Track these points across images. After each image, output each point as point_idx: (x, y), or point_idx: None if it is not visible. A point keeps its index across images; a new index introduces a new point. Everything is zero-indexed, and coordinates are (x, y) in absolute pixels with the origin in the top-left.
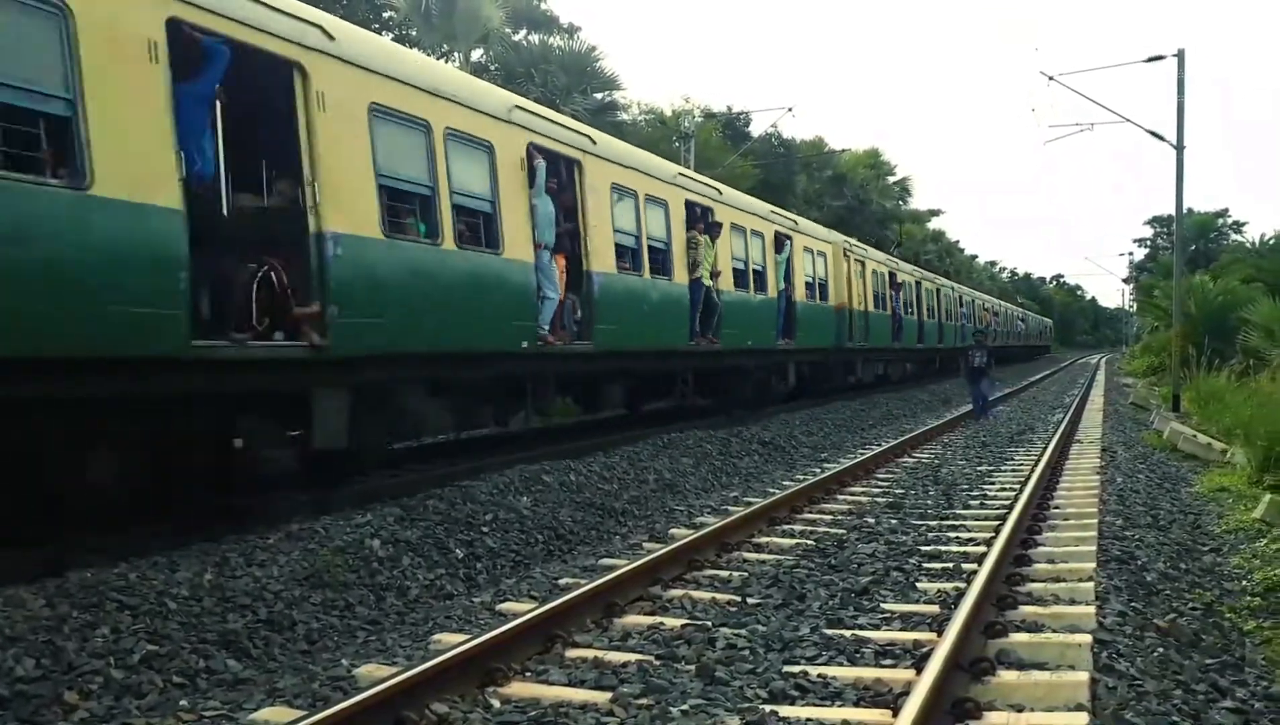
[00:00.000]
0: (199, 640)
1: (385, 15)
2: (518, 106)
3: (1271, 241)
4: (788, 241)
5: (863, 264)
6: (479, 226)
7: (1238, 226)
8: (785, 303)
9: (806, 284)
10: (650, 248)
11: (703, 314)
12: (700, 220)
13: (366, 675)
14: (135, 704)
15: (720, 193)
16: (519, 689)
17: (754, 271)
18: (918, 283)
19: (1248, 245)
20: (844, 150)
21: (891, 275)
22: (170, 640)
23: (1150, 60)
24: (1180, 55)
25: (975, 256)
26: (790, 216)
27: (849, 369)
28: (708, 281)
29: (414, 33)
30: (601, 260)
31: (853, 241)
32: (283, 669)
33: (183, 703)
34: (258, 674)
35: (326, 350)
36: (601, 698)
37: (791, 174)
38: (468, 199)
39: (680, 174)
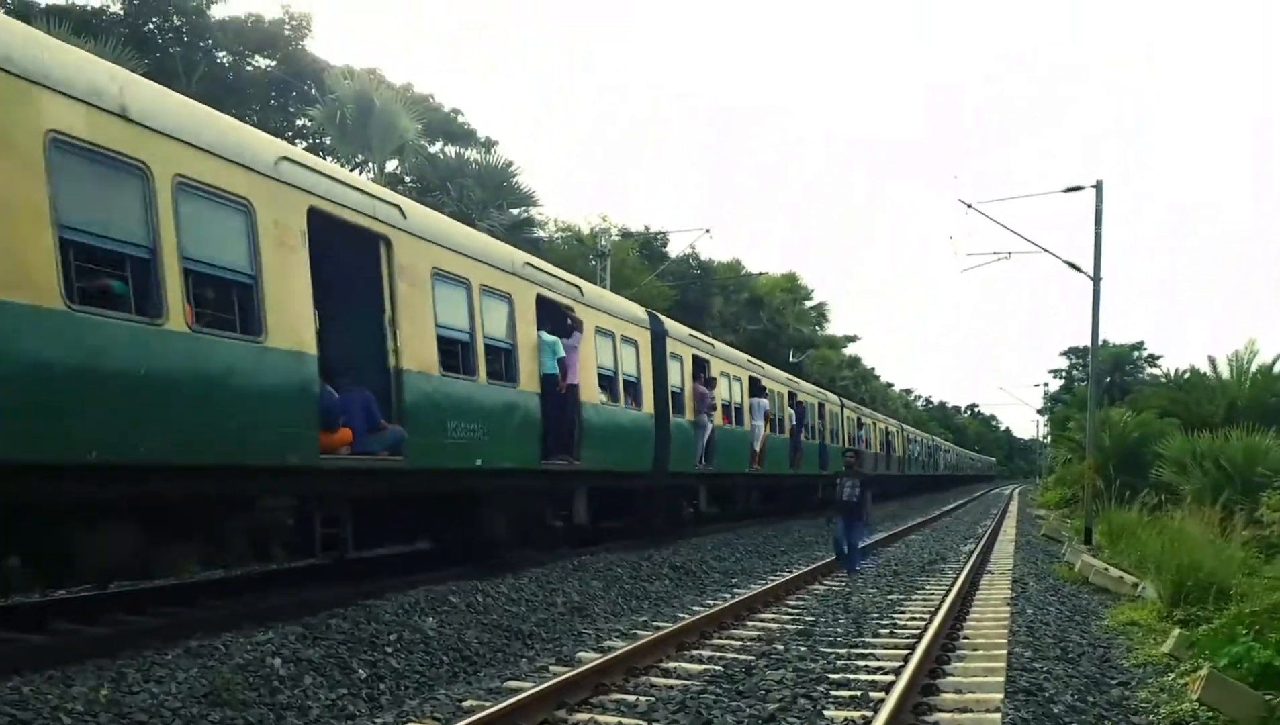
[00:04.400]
0: None
1: (299, 123)
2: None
3: (1186, 375)
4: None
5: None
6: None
7: (1153, 359)
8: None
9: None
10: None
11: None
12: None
13: None
14: None
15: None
16: None
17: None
18: (888, 428)
19: (1163, 378)
20: (761, 273)
21: (859, 419)
22: None
23: (1069, 191)
24: (1098, 187)
25: (890, 384)
26: (821, 390)
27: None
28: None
29: (328, 141)
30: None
31: (829, 395)
32: None
33: None
34: None
35: None
36: None
37: (708, 295)
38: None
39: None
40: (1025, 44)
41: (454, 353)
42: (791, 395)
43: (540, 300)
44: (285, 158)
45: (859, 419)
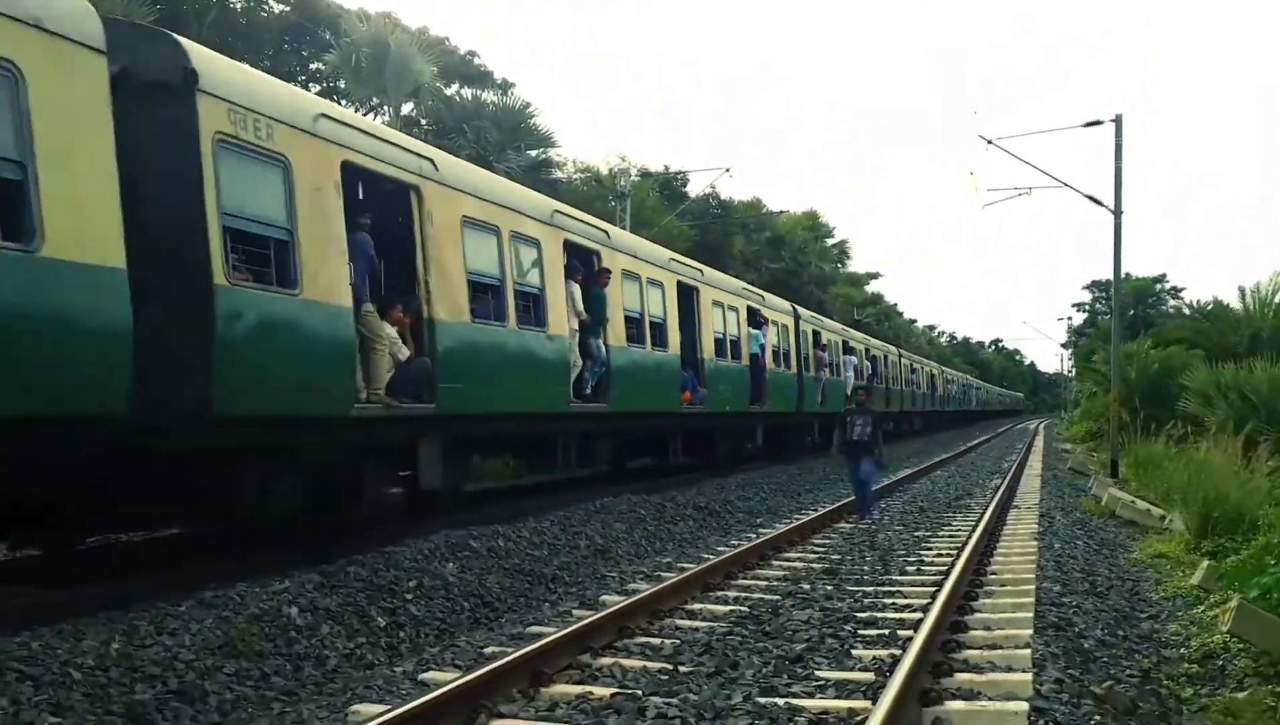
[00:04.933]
0: (104, 712)
1: (312, 67)
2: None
3: (1209, 306)
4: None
5: (912, 362)
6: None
7: (1175, 292)
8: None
9: (886, 375)
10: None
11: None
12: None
13: None
14: None
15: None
16: None
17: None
18: (933, 371)
19: (1186, 311)
20: (782, 212)
21: (912, 365)
22: (74, 712)
23: (1088, 125)
24: (1118, 121)
25: (914, 321)
26: (885, 345)
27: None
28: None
29: (342, 84)
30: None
31: (891, 347)
32: None
33: None
34: None
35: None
36: None
37: (729, 235)
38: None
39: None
40: (1029, 12)
41: (720, 345)
42: (867, 350)
43: (749, 308)
44: (678, 259)
45: (912, 365)
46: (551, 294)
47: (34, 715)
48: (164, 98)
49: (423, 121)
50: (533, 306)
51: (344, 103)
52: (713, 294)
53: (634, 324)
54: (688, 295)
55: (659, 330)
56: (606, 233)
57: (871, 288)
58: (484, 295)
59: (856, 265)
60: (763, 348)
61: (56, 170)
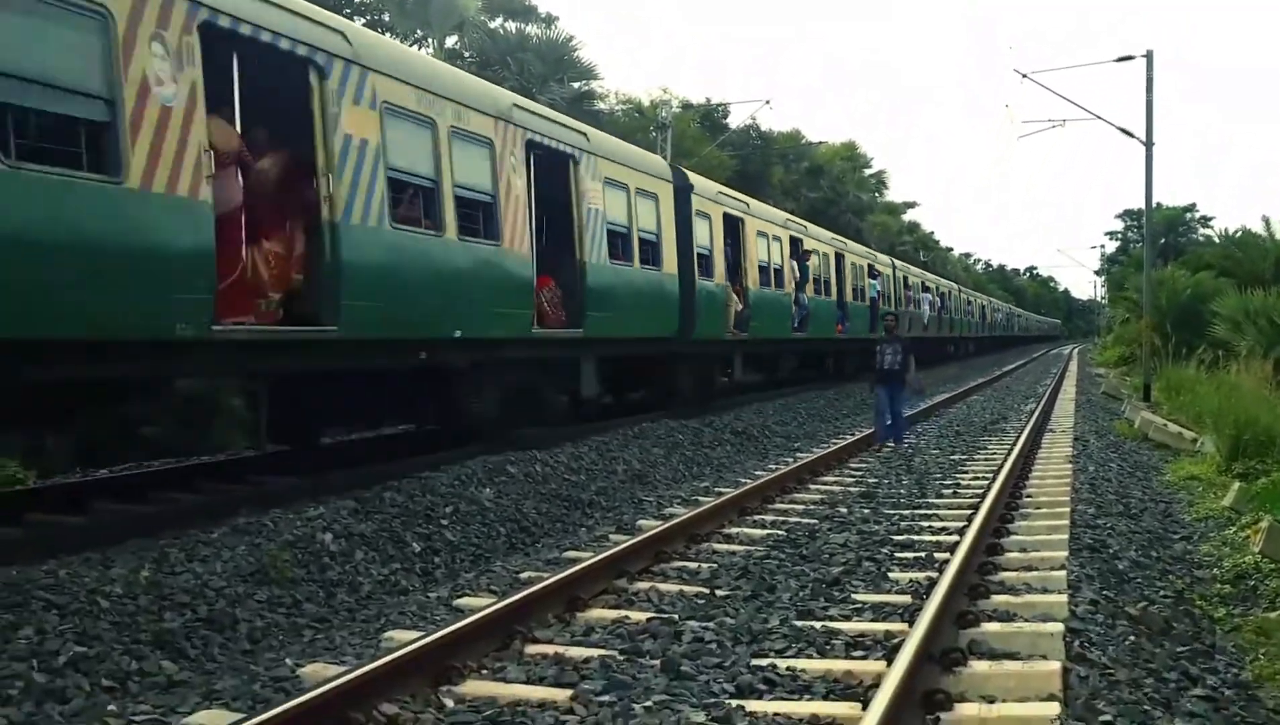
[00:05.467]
0: (132, 641)
1: (357, 0)
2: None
3: (1238, 235)
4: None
5: (969, 297)
6: None
7: (1205, 221)
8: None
9: (950, 306)
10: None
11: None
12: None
13: (312, 675)
14: (58, 710)
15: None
16: (474, 688)
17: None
18: (983, 303)
19: (1216, 239)
20: (821, 143)
21: (968, 299)
22: (100, 641)
23: (1120, 60)
24: (1149, 56)
25: (950, 248)
26: (950, 282)
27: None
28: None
29: (386, 18)
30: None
31: (953, 285)
32: (222, 670)
33: (111, 707)
34: (194, 675)
35: None
36: (561, 695)
37: (768, 165)
38: None
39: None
40: None
41: (856, 292)
42: (938, 287)
43: (868, 265)
44: (837, 238)
45: (968, 298)
46: (785, 269)
47: (58, 644)
48: (682, 196)
49: (466, 54)
50: (776, 276)
51: (387, 35)
52: (852, 257)
53: (817, 282)
54: (839, 259)
55: (828, 285)
56: (805, 226)
57: (908, 217)
58: (763, 272)
59: (893, 195)
60: (879, 293)
61: (664, 233)
